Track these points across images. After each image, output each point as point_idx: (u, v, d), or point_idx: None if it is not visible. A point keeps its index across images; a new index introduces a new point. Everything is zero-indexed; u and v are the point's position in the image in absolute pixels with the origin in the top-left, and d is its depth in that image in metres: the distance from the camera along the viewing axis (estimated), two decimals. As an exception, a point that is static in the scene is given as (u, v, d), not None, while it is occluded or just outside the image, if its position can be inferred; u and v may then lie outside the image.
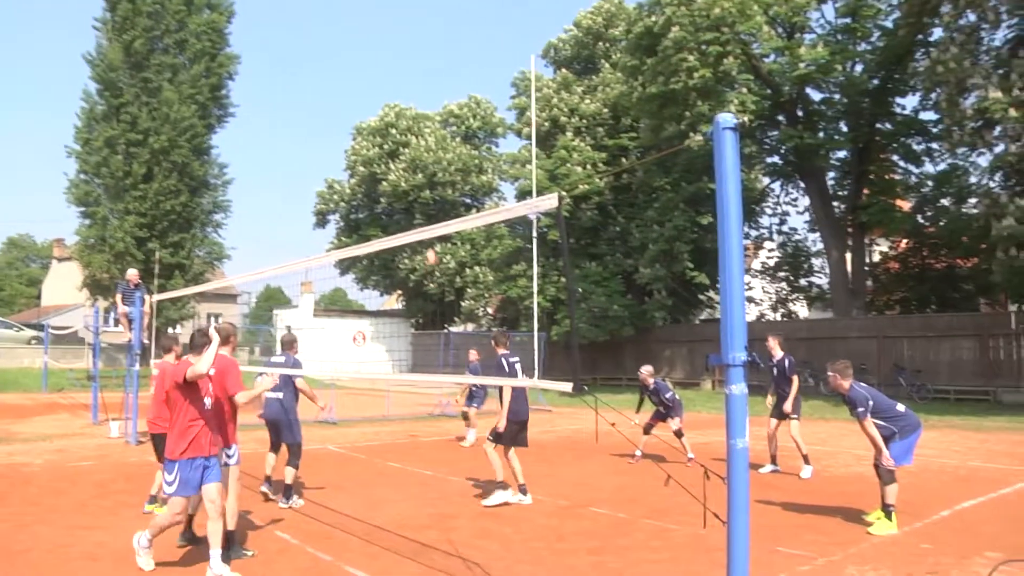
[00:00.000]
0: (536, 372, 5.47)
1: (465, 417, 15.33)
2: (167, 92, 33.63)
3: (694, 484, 5.25)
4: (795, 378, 11.19)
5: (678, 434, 12.03)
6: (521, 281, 31.22)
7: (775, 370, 11.41)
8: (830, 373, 8.17)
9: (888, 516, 7.70)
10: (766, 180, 32.17)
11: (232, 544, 6.51)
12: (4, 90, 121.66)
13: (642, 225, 29.09)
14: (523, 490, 9.16)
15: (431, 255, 11.59)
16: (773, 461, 11.43)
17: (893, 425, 7.82)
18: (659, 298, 29.17)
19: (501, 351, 9.32)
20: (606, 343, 29.30)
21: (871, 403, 7.81)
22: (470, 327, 43.63)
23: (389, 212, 43.96)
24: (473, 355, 15.83)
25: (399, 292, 45.84)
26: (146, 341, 14.97)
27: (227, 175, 37.61)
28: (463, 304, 39.94)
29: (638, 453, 12.31)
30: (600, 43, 33.72)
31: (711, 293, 31.54)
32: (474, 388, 15.15)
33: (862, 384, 8.06)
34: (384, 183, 41.39)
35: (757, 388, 11.87)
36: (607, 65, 32.73)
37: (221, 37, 36.50)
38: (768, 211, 33.11)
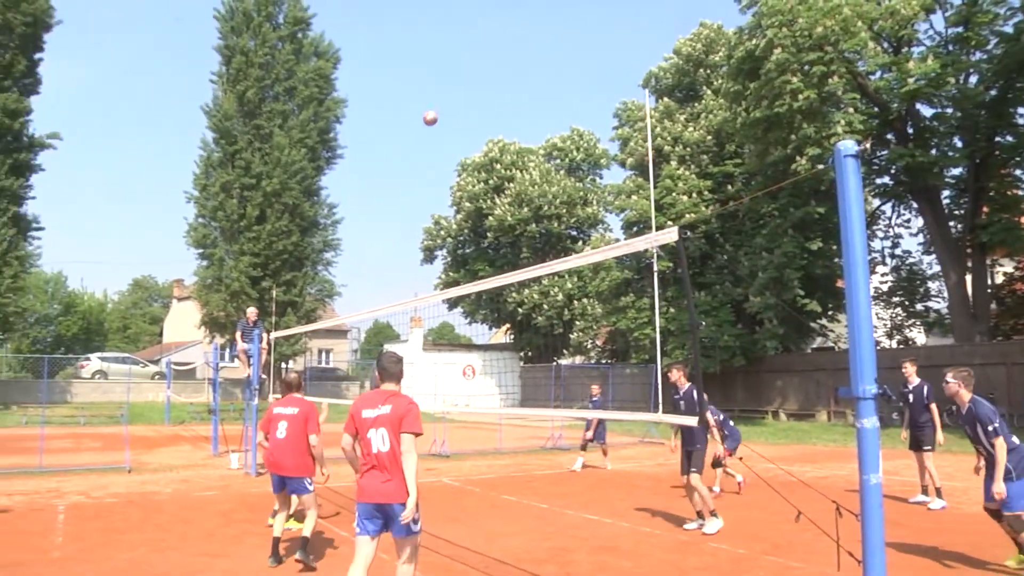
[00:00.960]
0: (659, 407, 5.39)
1: (584, 447, 15.69)
2: (278, 137, 35.05)
3: (823, 521, 5.08)
4: (934, 406, 10.61)
5: (716, 464, 11.85)
6: (630, 313, 30.95)
7: (910, 397, 10.84)
8: (950, 380, 7.30)
9: None
10: (876, 202, 30.99)
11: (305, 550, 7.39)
12: (130, 141, 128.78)
13: (750, 253, 28.50)
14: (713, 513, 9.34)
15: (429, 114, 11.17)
16: (938, 494, 10.71)
17: (1012, 459, 6.88)
18: (770, 327, 28.43)
19: (685, 382, 9.46)
20: (716, 374, 28.72)
21: (1001, 421, 6.93)
22: (579, 360, 43.50)
23: (496, 246, 44.40)
24: (595, 390, 15.85)
25: (507, 326, 46.08)
26: (263, 376, 15.48)
27: (336, 215, 38.82)
28: (572, 336, 39.91)
29: (739, 478, 12.33)
30: (701, 70, 33.41)
31: (823, 321, 30.53)
32: (600, 421, 15.29)
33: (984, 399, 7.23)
34: (490, 218, 41.87)
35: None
36: (709, 92, 32.39)
37: (328, 83, 37.85)
38: (880, 234, 31.80)
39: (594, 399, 15.45)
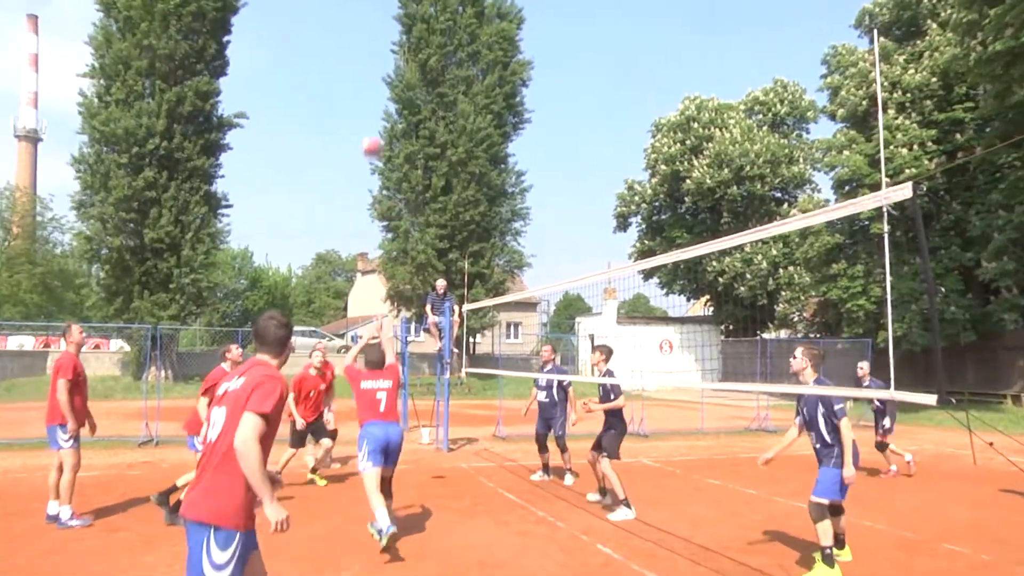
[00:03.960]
0: (891, 383, 4.98)
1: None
2: (462, 105, 35.77)
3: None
4: None
5: (880, 446, 12.21)
6: (842, 281, 29.38)
7: None
8: (798, 356, 7.11)
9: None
10: None
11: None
12: (312, 116, 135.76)
13: (983, 211, 26.25)
14: None
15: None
16: None
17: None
18: (1008, 297, 26.13)
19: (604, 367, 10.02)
20: (941, 351, 26.66)
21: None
22: (784, 333, 41.99)
23: (694, 211, 43.52)
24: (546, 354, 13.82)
25: (707, 297, 45.12)
26: (455, 350, 15.91)
27: (524, 182, 39.30)
28: (777, 308, 38.50)
29: (893, 468, 12.51)
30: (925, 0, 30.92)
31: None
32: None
33: None
34: (687, 181, 41.00)
35: None
36: (934, 26, 29.89)
37: (512, 45, 38.23)
38: None
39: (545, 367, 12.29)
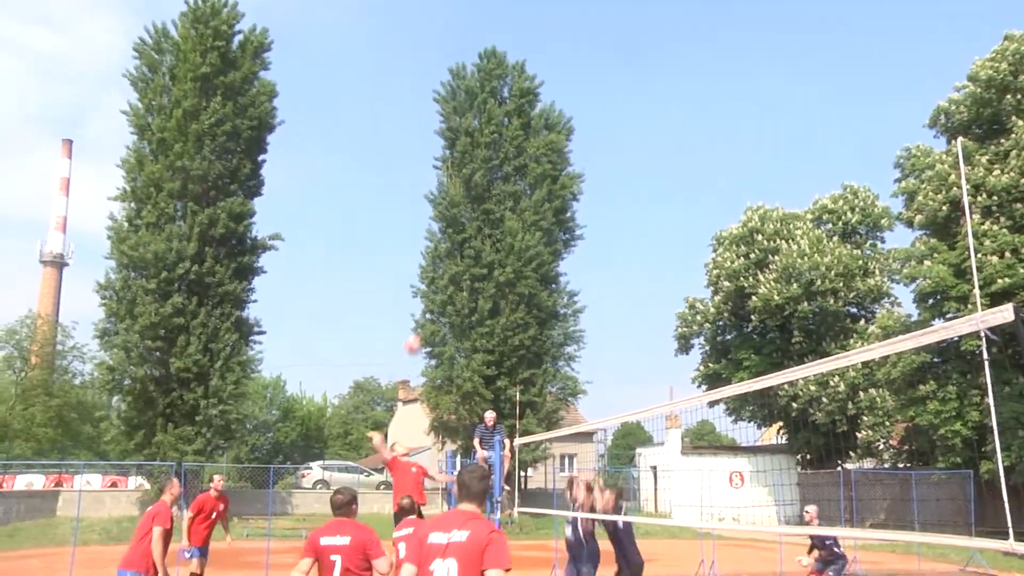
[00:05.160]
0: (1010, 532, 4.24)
1: None
2: (510, 222, 35.81)
3: None
4: None
5: None
6: (932, 405, 28.18)
7: None
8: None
9: None
10: None
11: None
12: (350, 237, 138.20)
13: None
14: None
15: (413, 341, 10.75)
16: None
17: None
18: None
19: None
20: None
21: None
22: (869, 463, 40.35)
23: (762, 331, 42.64)
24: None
25: (779, 424, 43.78)
26: (506, 487, 15.21)
27: (577, 303, 38.98)
28: (859, 435, 37.09)
29: None
30: (1008, 96, 30.51)
31: None
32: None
33: None
34: (753, 298, 40.29)
35: None
36: (1020, 123, 29.48)
37: (562, 157, 38.55)
38: None
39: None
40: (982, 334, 4.83)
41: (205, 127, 31.75)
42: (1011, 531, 4.39)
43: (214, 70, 32.48)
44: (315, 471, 41.29)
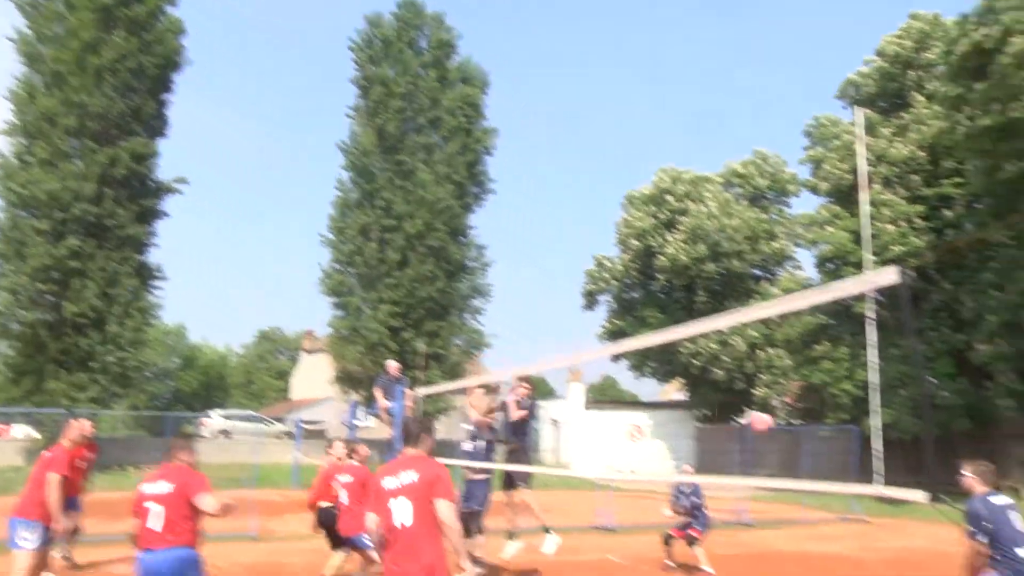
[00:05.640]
0: (879, 477, 4.89)
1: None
2: (422, 173, 35.71)
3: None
4: None
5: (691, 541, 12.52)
6: (825, 364, 29.55)
7: None
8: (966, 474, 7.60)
9: None
10: None
11: None
12: (259, 182, 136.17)
13: (976, 291, 26.68)
14: None
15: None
16: None
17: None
18: (1004, 382, 26.46)
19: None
20: (933, 439, 26.72)
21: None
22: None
23: (667, 289, 43.63)
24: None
25: (680, 380, 45.11)
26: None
27: (486, 257, 39.08)
28: (756, 392, 38.55)
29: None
30: (911, 72, 31.78)
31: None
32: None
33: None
34: (661, 257, 41.19)
35: None
36: (921, 98, 30.83)
37: (476, 111, 38.47)
38: None
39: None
40: (869, 295, 5.42)
41: (106, 62, 30.32)
42: (876, 475, 5.02)
43: (116, 1, 31.11)
44: (215, 420, 40.90)
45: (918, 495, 4.28)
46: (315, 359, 55.90)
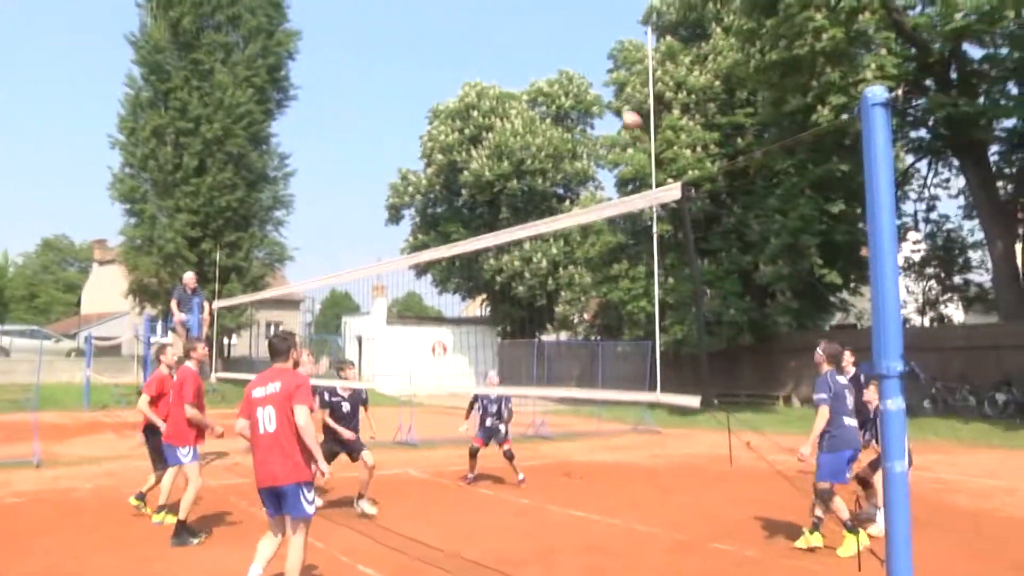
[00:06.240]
0: (657, 386, 5.45)
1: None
2: (220, 75, 34.16)
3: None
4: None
5: (509, 455, 13.06)
6: (623, 283, 30.94)
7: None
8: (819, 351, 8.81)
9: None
10: (910, 159, 31.03)
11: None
12: (37, 75, 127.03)
13: (762, 215, 28.47)
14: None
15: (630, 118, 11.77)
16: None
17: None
18: (783, 300, 28.62)
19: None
20: (721, 353, 28.77)
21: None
22: (564, 335, 43.60)
23: (471, 205, 44.25)
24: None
25: (483, 296, 46.08)
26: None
27: (289, 167, 38.18)
28: (556, 309, 39.89)
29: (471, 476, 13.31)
30: (710, 3, 33.16)
31: (844, 294, 30.63)
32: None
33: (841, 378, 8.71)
34: (465, 172, 41.62)
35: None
36: (719, 30, 32.21)
37: (279, 11, 37.03)
38: (913, 195, 31.85)
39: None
40: (653, 210, 5.82)
41: None
42: (659, 385, 5.49)
43: None
44: (-10, 336, 38.40)
45: (692, 400, 4.84)
46: (107, 271, 53.49)
